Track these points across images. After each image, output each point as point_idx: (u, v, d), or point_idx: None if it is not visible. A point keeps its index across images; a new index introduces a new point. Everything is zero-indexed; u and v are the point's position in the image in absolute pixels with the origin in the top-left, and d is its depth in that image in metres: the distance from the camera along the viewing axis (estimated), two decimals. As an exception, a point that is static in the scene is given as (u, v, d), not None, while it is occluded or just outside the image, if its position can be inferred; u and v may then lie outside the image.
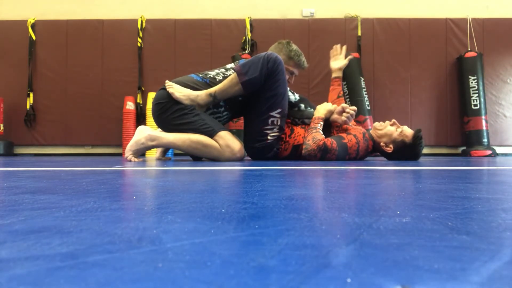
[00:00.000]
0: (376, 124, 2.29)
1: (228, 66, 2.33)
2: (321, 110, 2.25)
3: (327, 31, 4.74)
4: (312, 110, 2.35)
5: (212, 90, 2.08)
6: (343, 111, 2.21)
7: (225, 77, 2.17)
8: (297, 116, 2.35)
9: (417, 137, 2.19)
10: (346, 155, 2.12)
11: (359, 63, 4.51)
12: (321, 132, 2.15)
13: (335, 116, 2.23)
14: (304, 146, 2.12)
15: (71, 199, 0.52)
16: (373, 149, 2.28)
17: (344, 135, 2.17)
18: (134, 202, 0.51)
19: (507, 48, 4.72)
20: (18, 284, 0.20)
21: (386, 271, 0.22)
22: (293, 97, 2.39)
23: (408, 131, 2.23)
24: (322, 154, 2.06)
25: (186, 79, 2.19)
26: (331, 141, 2.08)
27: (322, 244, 0.28)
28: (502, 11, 4.86)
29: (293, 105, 2.37)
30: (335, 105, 2.28)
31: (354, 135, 2.17)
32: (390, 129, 2.23)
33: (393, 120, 2.29)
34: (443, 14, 4.82)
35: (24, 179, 0.87)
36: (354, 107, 2.22)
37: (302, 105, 2.38)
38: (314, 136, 2.10)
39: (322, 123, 2.20)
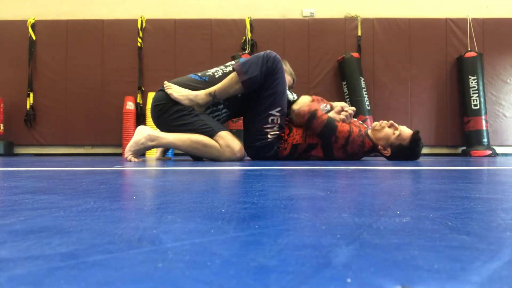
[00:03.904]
0: (375, 124, 2.28)
1: (228, 63, 2.34)
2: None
3: (327, 31, 4.74)
4: None
5: (211, 89, 2.08)
6: (342, 110, 2.26)
7: (224, 74, 2.17)
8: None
9: (414, 140, 2.17)
10: (333, 136, 2.13)
11: (359, 63, 4.51)
12: (323, 110, 2.24)
13: (333, 114, 2.26)
14: (298, 107, 2.19)
15: (71, 199, 0.52)
16: (371, 149, 2.27)
17: (340, 122, 2.22)
18: (134, 202, 0.51)
19: (507, 48, 4.72)
20: (18, 284, 0.20)
21: (386, 271, 0.22)
22: (292, 96, 2.40)
23: (405, 134, 2.19)
24: (309, 118, 2.14)
25: (184, 79, 2.19)
26: (323, 113, 2.16)
27: (322, 244, 0.28)
28: (502, 11, 4.86)
29: (292, 104, 2.38)
30: (337, 103, 2.34)
31: (350, 126, 2.20)
32: (387, 133, 2.21)
33: (391, 121, 2.26)
34: (443, 14, 4.82)
35: (24, 179, 0.87)
36: (353, 107, 2.28)
37: None
38: (311, 104, 2.21)
39: (329, 108, 2.31)
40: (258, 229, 0.33)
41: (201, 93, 2.08)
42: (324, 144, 2.19)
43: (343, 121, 2.23)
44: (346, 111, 2.25)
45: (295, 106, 2.19)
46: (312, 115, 2.13)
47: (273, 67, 2.07)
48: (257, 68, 2.03)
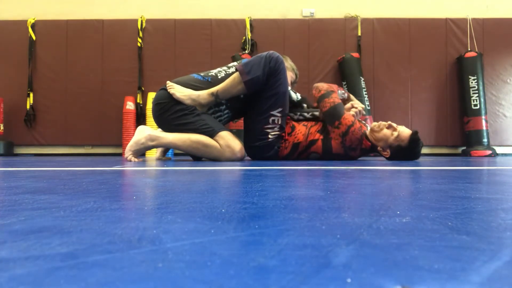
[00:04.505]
0: (373, 125, 2.28)
1: (230, 64, 2.34)
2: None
3: (327, 31, 4.74)
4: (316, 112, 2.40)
5: (214, 89, 2.08)
6: (351, 107, 2.37)
7: (227, 75, 2.17)
8: (298, 111, 2.40)
9: (412, 140, 2.16)
10: (336, 121, 2.18)
11: (359, 63, 4.51)
12: (339, 94, 2.37)
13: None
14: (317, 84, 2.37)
15: (71, 199, 0.52)
16: (370, 149, 2.27)
17: (347, 113, 2.28)
18: (134, 202, 0.51)
19: (507, 48, 4.72)
20: (18, 284, 0.20)
21: (386, 271, 0.22)
22: (295, 96, 2.41)
23: (404, 134, 2.18)
24: (324, 94, 2.27)
25: (187, 78, 2.19)
26: (337, 97, 2.29)
27: (322, 244, 0.28)
28: (502, 11, 4.85)
29: (296, 104, 2.40)
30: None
31: (355, 119, 2.25)
32: (386, 134, 2.20)
33: (389, 122, 2.25)
34: (443, 14, 4.82)
35: (24, 179, 0.87)
36: (362, 105, 2.38)
37: (305, 106, 2.42)
38: (331, 85, 2.37)
39: (346, 96, 2.46)
40: (258, 229, 0.33)
41: (203, 93, 2.08)
42: (324, 137, 2.22)
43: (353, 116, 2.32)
44: (356, 108, 2.34)
45: (315, 84, 2.38)
46: (328, 92, 2.26)
47: (276, 67, 2.08)
48: (260, 69, 2.04)
